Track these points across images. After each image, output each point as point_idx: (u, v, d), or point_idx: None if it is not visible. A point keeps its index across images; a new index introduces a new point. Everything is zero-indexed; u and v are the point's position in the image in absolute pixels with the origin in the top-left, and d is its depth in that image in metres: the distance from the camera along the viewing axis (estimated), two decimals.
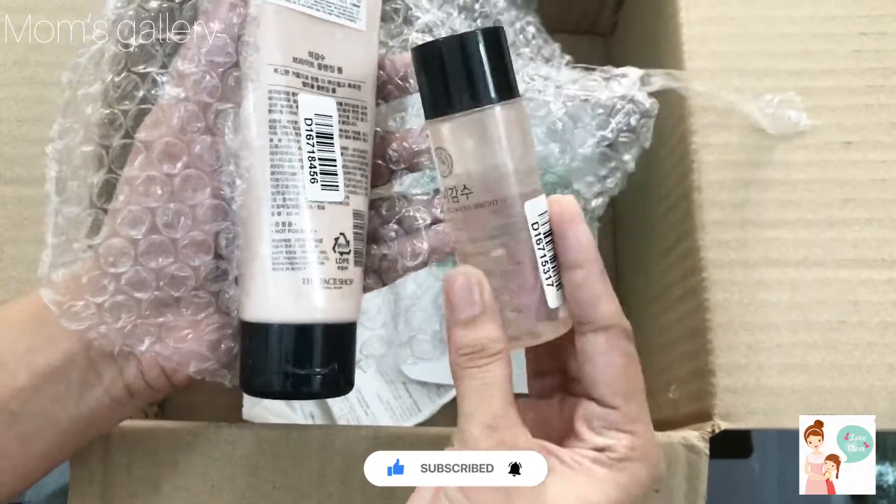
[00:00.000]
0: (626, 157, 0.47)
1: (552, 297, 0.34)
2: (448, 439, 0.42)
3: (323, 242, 0.38)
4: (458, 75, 0.34)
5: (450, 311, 0.34)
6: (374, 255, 0.42)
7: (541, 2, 0.66)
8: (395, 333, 0.56)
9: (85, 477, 0.43)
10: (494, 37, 0.34)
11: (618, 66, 0.59)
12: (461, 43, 0.34)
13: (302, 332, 0.38)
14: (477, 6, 0.47)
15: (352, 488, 0.43)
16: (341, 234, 0.38)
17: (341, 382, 0.39)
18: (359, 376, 0.56)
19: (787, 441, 0.69)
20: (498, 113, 0.34)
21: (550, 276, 0.34)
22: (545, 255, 0.34)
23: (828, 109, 0.50)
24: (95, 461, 0.43)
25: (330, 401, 0.58)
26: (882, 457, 0.72)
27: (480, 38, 0.34)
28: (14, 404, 0.37)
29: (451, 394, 0.59)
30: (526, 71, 0.46)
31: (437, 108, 0.34)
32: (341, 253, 0.38)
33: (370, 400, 0.58)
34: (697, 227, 0.48)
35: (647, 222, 0.59)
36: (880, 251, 0.47)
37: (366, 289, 0.42)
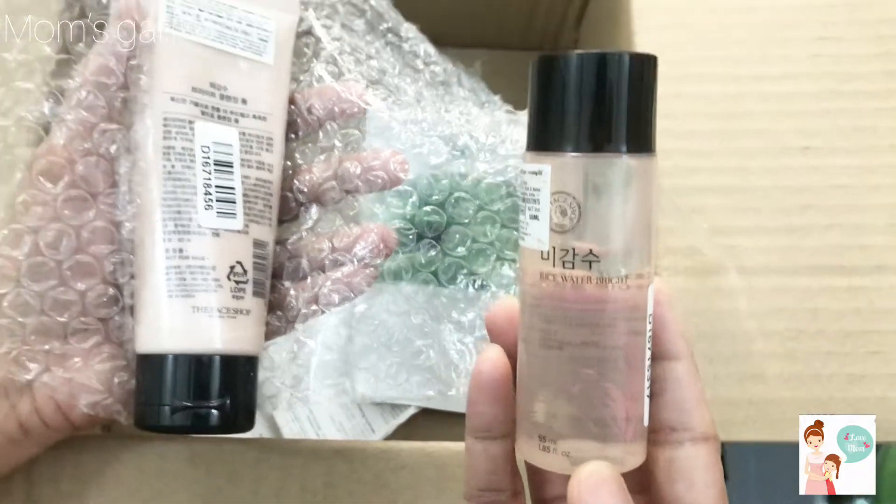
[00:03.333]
0: None
1: (648, 408, 0.29)
2: (389, 453, 0.42)
3: (217, 270, 0.38)
4: (629, 102, 0.27)
5: None
6: (279, 290, 0.41)
7: (501, 21, 0.67)
8: (349, 352, 0.54)
9: (6, 492, 0.41)
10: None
11: None
12: (637, 62, 0.27)
13: (193, 363, 0.37)
14: (406, 45, 0.48)
15: None
16: (238, 262, 0.38)
17: (239, 418, 0.39)
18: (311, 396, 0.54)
19: (764, 463, 0.69)
20: (655, 164, 0.28)
21: (649, 382, 0.29)
22: (650, 353, 0.29)
23: (785, 114, 0.50)
24: (18, 475, 0.41)
25: (280, 420, 0.56)
26: None
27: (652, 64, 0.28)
28: None
29: (406, 414, 0.57)
30: (447, 105, 0.48)
31: (576, 139, 0.27)
32: (237, 282, 0.38)
33: (322, 420, 0.56)
34: None
35: None
36: (840, 258, 0.47)
37: (273, 331, 0.41)
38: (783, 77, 0.50)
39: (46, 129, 0.38)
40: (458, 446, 0.42)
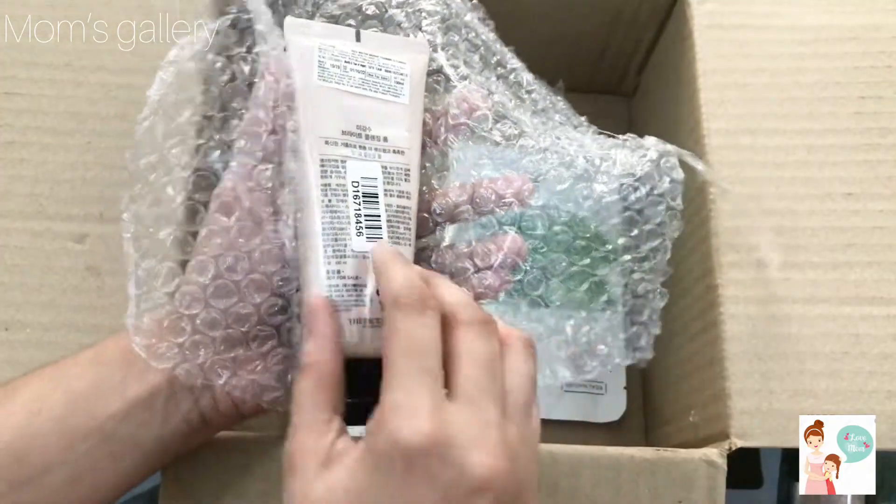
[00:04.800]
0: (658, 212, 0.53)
1: None
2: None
3: (367, 287, 0.42)
4: None
5: None
6: None
7: (570, 65, 0.73)
8: None
9: (177, 481, 0.48)
10: None
11: (639, 124, 0.63)
12: None
13: (351, 365, 0.41)
14: (511, 77, 0.52)
15: None
16: None
17: None
18: None
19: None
20: None
21: None
22: None
23: (830, 164, 0.55)
24: (186, 467, 0.48)
25: None
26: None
27: None
28: (109, 426, 0.42)
29: None
30: (555, 132, 0.51)
31: None
32: None
33: None
34: (715, 267, 0.54)
35: (669, 264, 0.65)
36: (879, 290, 0.52)
37: None
38: (828, 131, 0.56)
39: (217, 175, 0.44)
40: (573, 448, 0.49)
